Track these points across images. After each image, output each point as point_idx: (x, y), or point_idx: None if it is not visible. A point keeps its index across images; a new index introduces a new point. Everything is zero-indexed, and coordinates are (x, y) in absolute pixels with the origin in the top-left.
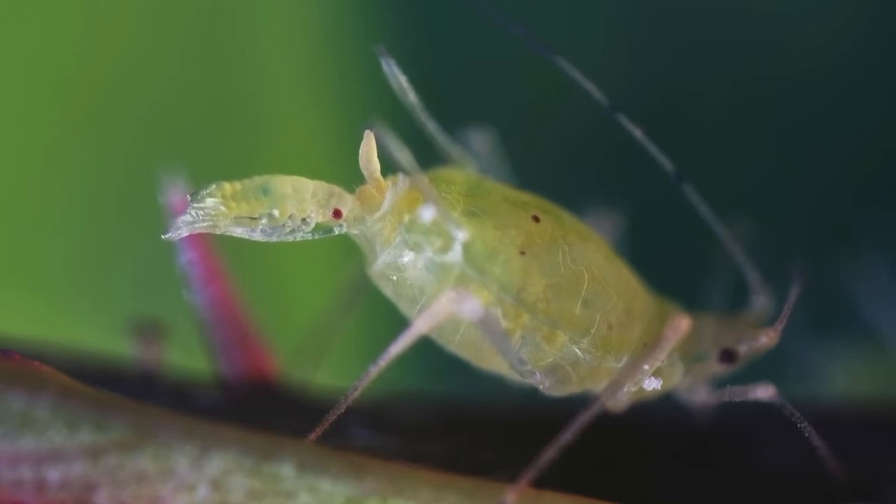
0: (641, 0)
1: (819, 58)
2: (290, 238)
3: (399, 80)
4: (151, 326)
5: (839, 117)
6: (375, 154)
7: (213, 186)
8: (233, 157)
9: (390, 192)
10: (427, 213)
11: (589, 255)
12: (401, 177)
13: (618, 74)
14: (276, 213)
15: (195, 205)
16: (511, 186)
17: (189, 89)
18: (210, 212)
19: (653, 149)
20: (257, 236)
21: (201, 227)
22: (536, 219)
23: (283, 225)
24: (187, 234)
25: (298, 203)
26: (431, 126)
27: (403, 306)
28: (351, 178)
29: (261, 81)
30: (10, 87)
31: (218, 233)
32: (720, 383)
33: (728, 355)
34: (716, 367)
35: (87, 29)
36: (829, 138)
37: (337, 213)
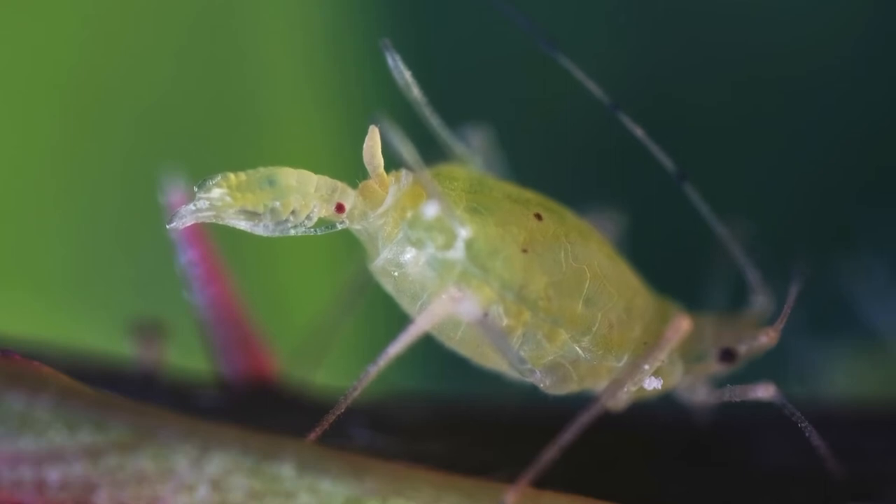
0: (642, 1)
1: (819, 58)
2: (294, 233)
3: (403, 75)
4: (151, 326)
5: (840, 117)
6: (380, 149)
7: (219, 177)
8: (233, 156)
9: (393, 187)
10: (430, 210)
11: (590, 254)
12: (404, 172)
13: (618, 74)
14: (278, 205)
15: (201, 195)
16: (513, 184)
17: (189, 89)
18: (216, 202)
19: (653, 147)
20: (260, 231)
21: (205, 216)
22: (539, 217)
23: (286, 219)
24: (192, 222)
25: (302, 196)
26: (434, 122)
27: (405, 303)
28: (351, 177)
29: (261, 81)
30: (10, 87)
31: (221, 223)
32: (720, 383)
33: (728, 355)
34: (716, 367)
35: (88, 29)
36: (828, 138)
37: (340, 208)
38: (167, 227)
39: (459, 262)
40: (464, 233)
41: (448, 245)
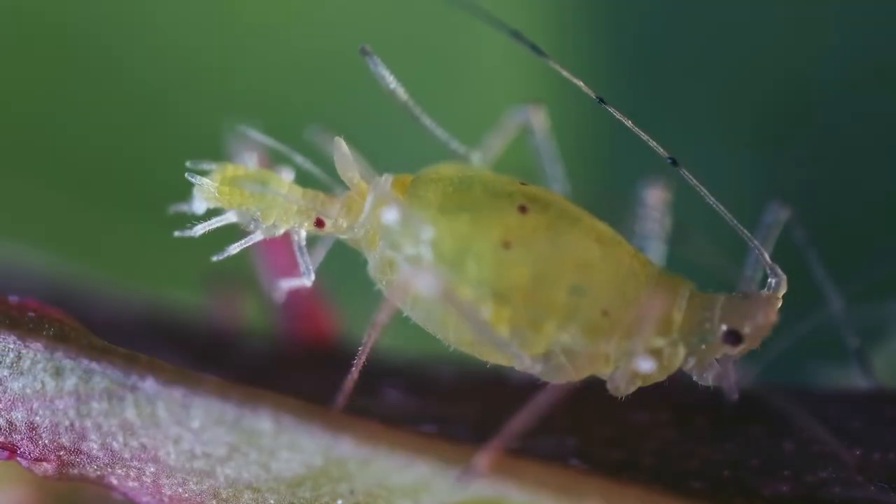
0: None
1: (817, 59)
2: (296, 237)
3: (386, 79)
4: (226, 280)
5: (841, 117)
6: (350, 160)
7: (215, 169)
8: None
9: (370, 196)
10: (389, 215)
11: (578, 242)
12: (383, 178)
13: (618, 74)
14: (258, 215)
15: (197, 192)
16: (509, 176)
17: (193, 85)
18: (211, 201)
19: (645, 136)
20: (252, 229)
21: (215, 223)
22: (523, 209)
23: (273, 224)
24: (201, 233)
25: (283, 212)
26: (426, 122)
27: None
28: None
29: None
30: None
31: (220, 221)
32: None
33: (732, 335)
34: (723, 349)
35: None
36: (828, 137)
37: (319, 223)
38: (175, 234)
39: (429, 263)
40: (426, 234)
41: (415, 247)
